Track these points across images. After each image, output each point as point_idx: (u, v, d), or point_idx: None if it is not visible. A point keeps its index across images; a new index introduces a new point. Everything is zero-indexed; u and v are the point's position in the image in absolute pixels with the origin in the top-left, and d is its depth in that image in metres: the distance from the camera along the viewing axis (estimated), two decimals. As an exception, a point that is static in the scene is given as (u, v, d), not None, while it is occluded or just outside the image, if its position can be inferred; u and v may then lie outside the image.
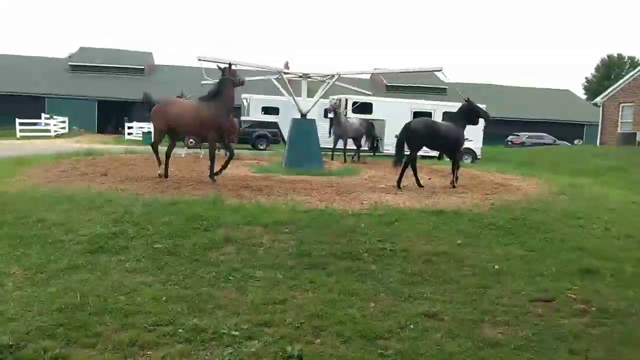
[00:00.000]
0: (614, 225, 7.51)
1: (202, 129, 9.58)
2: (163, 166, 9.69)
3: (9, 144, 21.55)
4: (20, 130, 28.20)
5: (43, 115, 32.35)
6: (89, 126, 36.61)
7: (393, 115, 22.29)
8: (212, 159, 9.53)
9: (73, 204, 6.95)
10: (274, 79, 14.58)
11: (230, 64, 9.64)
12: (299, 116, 13.47)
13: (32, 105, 34.91)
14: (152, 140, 10.67)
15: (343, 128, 16.82)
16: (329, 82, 13.74)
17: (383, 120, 22.43)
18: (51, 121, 30.81)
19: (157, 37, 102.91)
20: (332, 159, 16.44)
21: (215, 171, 9.45)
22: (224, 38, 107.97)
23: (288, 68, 14.61)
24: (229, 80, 9.44)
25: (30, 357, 3.26)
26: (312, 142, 13.06)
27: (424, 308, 4.36)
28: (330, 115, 17.77)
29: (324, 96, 15.16)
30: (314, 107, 14.24)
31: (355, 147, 18.19)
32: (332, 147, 17.37)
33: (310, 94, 13.96)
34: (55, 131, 30.51)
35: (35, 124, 30.09)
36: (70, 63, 42.18)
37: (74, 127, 34.10)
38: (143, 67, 42.65)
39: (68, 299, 4.15)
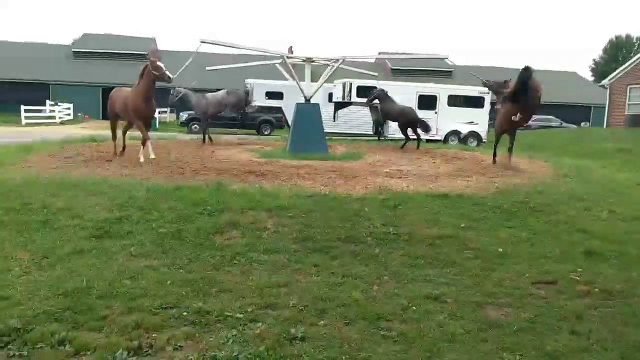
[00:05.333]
0: (619, 208, 7.48)
1: None
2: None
3: (14, 130, 21.63)
4: (26, 117, 28.26)
5: (48, 102, 32.37)
6: (94, 113, 36.56)
7: (398, 99, 22.17)
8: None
9: (78, 189, 6.99)
10: (277, 63, 14.50)
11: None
12: (302, 101, 13.42)
13: (36, 92, 34.92)
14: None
15: (197, 105, 15.30)
16: (333, 66, 13.68)
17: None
18: (56, 108, 30.85)
19: (159, 22, 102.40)
20: (204, 141, 14.85)
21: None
22: (228, 22, 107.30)
23: (292, 52, 14.53)
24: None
25: (38, 340, 3.31)
26: (316, 127, 13.02)
27: (427, 290, 4.39)
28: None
29: (328, 80, 15.09)
30: (318, 92, 14.20)
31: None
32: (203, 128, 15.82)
33: (315, 78, 13.90)
34: (60, 118, 30.57)
35: (40, 110, 30.14)
36: (73, 49, 42.05)
37: (79, 114, 34.14)
38: (146, 53, 42.47)
39: (74, 283, 4.20)
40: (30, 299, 3.91)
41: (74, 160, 9.87)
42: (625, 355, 3.47)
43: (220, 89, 16.41)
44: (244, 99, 16.60)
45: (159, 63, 9.51)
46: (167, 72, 9.44)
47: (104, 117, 36.90)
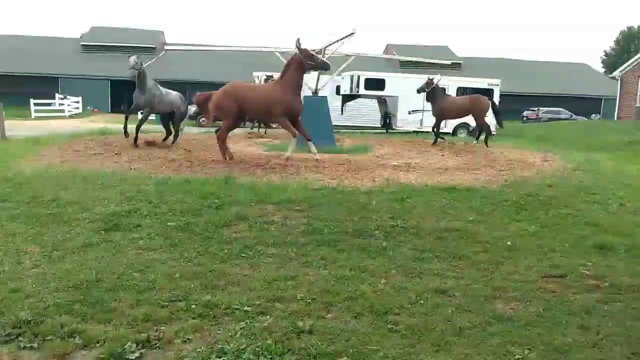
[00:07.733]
0: (629, 201, 7.41)
1: None
2: None
3: (24, 124, 21.78)
4: (35, 111, 28.50)
5: (57, 95, 32.59)
6: (103, 106, 36.76)
7: (406, 91, 22.07)
8: None
9: (87, 183, 7.04)
10: (279, 54, 14.45)
11: None
12: (310, 93, 13.40)
13: (45, 86, 35.18)
14: None
15: (149, 91, 11.51)
16: (346, 62, 13.75)
17: (396, 96, 22.22)
18: (65, 101, 31.05)
19: (168, 15, 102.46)
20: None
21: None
22: (236, 15, 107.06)
23: (300, 45, 14.49)
24: None
25: (48, 332, 3.33)
26: (323, 120, 13.00)
27: (435, 284, 4.37)
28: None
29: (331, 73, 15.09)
30: (326, 85, 14.18)
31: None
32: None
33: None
34: (69, 111, 30.77)
35: (49, 104, 30.35)
36: (82, 43, 42.27)
37: (88, 107, 34.34)
38: (155, 46, 42.51)
39: (84, 275, 4.23)
40: (41, 291, 3.94)
41: (83, 154, 9.93)
42: (635, 350, 3.44)
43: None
44: (185, 114, 13.05)
45: (312, 52, 9.11)
46: (325, 59, 9.09)
47: (113, 110, 37.21)
